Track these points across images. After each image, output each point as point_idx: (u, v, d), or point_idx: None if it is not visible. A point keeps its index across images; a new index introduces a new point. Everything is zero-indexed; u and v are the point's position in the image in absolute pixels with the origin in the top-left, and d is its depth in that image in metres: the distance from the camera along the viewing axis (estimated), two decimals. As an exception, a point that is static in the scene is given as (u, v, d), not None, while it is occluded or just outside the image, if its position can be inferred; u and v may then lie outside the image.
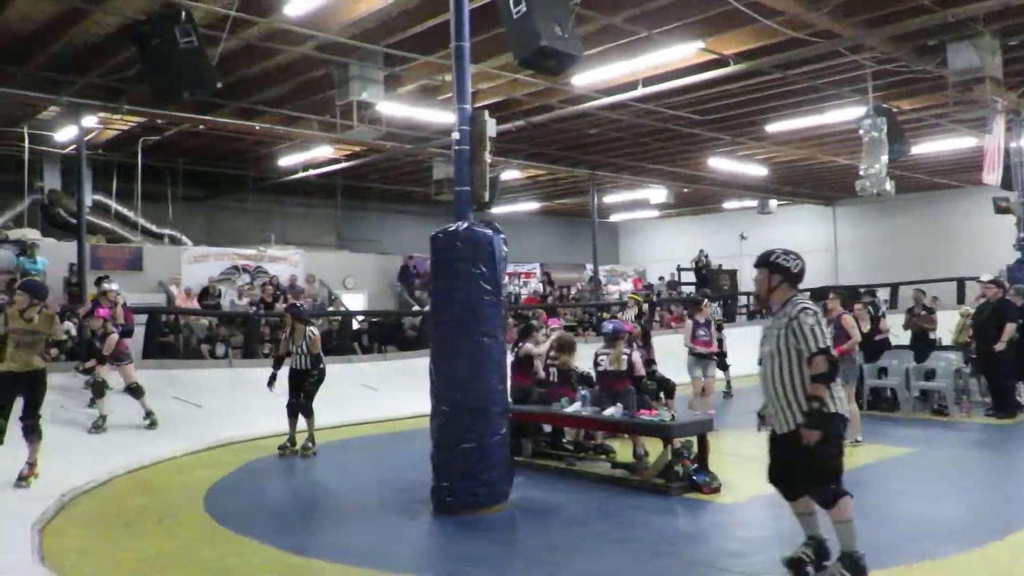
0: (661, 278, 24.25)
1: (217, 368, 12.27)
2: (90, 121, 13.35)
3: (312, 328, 9.10)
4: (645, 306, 13.66)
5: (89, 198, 14.12)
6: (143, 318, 12.96)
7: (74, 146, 13.22)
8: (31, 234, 15.28)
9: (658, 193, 22.55)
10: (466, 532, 5.76)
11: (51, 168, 16.86)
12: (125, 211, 17.80)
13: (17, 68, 11.40)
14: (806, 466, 4.28)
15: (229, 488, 7.25)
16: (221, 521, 6.00)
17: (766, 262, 4.51)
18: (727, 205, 26.02)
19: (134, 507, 6.49)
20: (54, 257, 14.16)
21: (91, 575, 4.85)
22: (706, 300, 11.17)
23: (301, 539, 5.63)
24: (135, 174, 16.67)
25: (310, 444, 8.78)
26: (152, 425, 9.31)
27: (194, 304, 15.29)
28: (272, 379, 8.91)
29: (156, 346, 12.50)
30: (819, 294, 8.77)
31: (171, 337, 13.46)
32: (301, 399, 8.78)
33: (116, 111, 12.74)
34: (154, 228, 18.35)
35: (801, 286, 4.61)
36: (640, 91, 11.96)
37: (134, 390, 9.50)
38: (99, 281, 11.29)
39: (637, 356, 7.94)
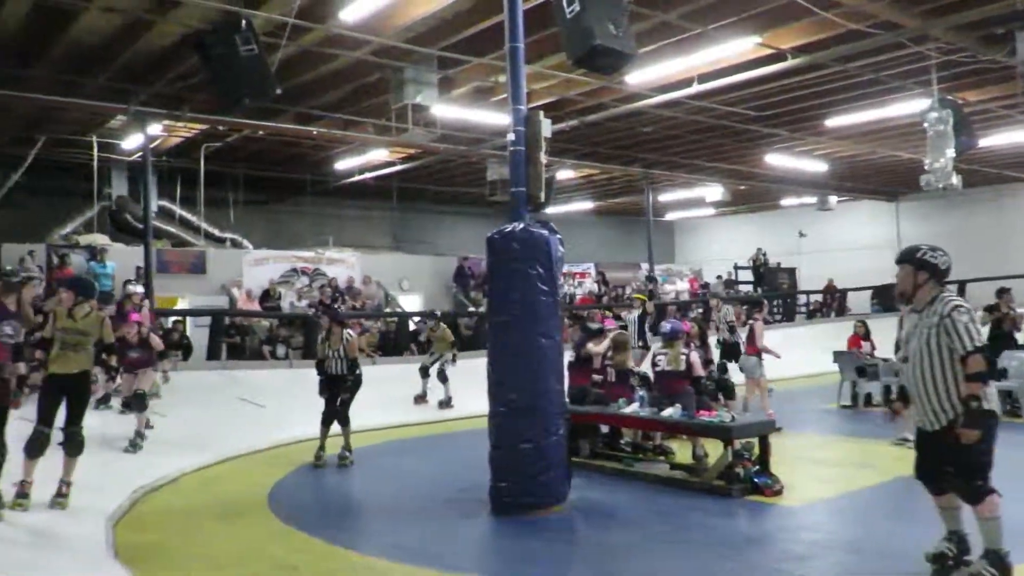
0: (719, 277, 23.93)
1: (278, 368, 12.53)
2: (155, 129, 13.75)
3: (349, 331, 8.66)
4: (650, 305, 12.97)
5: (155, 204, 14.60)
6: (206, 320, 13.35)
7: (140, 153, 13.63)
8: (100, 239, 15.79)
9: (714, 191, 22.26)
10: (524, 532, 5.76)
11: (119, 175, 17.46)
12: (189, 216, 18.27)
13: (87, 80, 11.83)
14: (956, 463, 4.21)
15: (291, 487, 7.39)
16: (285, 519, 6.12)
17: (911, 258, 4.39)
18: (785, 202, 25.55)
19: (201, 505, 6.66)
20: (122, 261, 14.62)
21: (162, 571, 4.98)
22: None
23: (362, 537, 5.72)
24: (198, 180, 17.14)
25: (346, 453, 8.26)
26: (133, 448, 8.17)
27: (255, 306, 15.62)
28: (322, 387, 8.40)
29: (219, 347, 12.82)
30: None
31: (237, 338, 13.78)
32: (337, 406, 8.27)
33: (179, 119, 13.11)
34: (216, 232, 18.80)
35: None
36: (695, 88, 11.82)
37: (139, 398, 8.52)
38: (125, 284, 11.47)
39: (696, 356, 7.86)
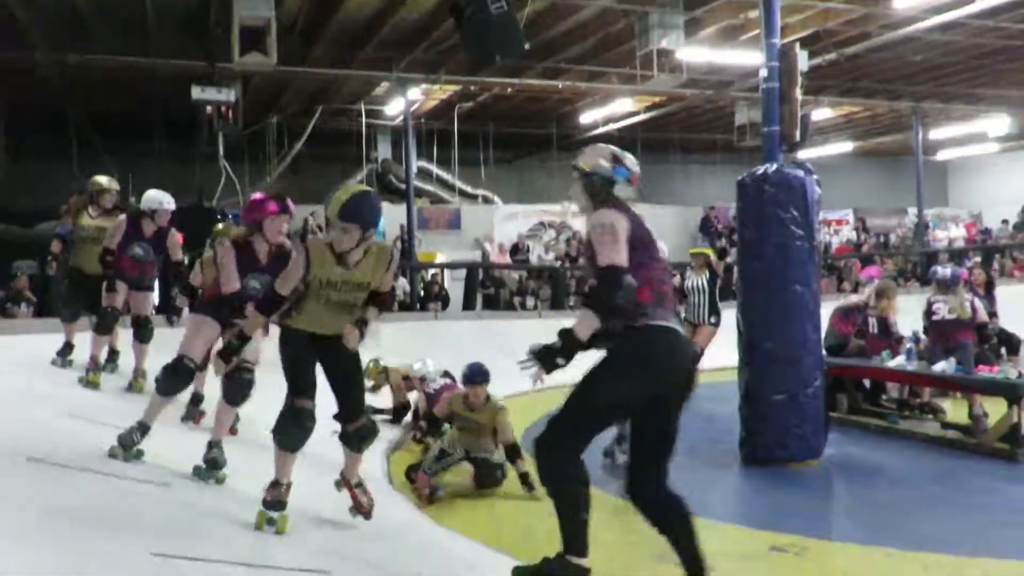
0: (1005, 221, 21.34)
1: (528, 319, 13.02)
2: (414, 94, 14.71)
3: None
4: (719, 263, 7.85)
5: (415, 164, 15.63)
6: (462, 273, 14.18)
7: (401, 118, 14.63)
8: (370, 198, 17.23)
9: (999, 123, 19.66)
10: (779, 484, 5.59)
11: (383, 139, 18.88)
12: (444, 175, 19.38)
13: (356, 51, 12.87)
14: None
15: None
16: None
17: None
18: (1088, 133, 22.07)
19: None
20: (386, 218, 15.85)
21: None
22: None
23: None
24: (452, 140, 18.09)
25: None
26: (133, 387, 6.06)
27: (507, 259, 16.33)
28: None
29: (474, 298, 13.57)
30: None
31: (491, 290, 14.51)
32: None
33: (435, 82, 13.93)
34: (469, 189, 19.78)
35: None
36: (978, 5, 10.48)
37: (141, 327, 6.23)
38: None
39: (979, 303, 7.13)
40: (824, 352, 6.87)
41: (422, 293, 13.76)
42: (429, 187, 19.05)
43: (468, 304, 13.40)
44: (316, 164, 18.07)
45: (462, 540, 4.34)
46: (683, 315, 6.83)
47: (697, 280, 7.11)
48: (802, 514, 4.98)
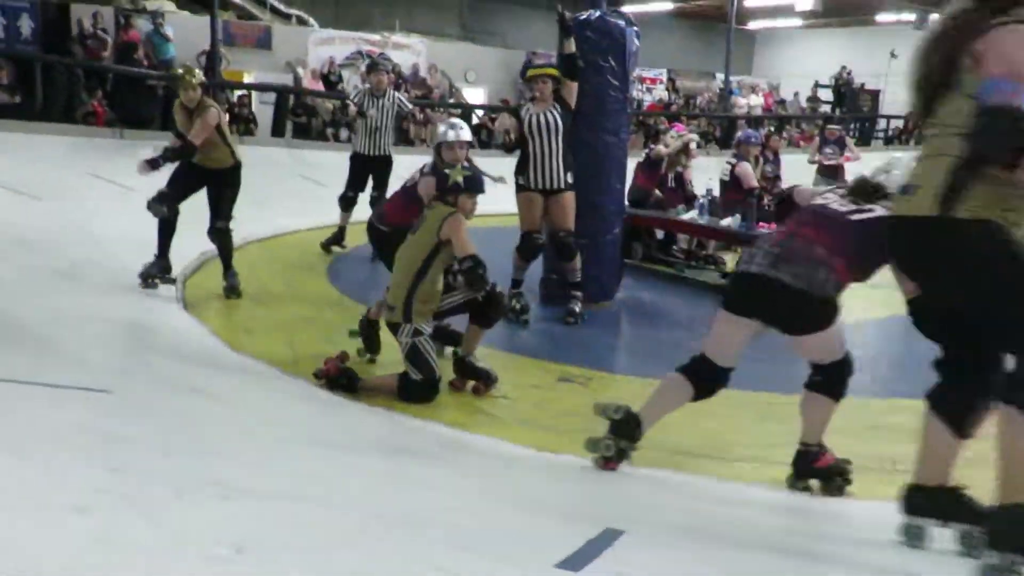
0: (796, 94, 22.87)
1: (341, 151, 12.59)
2: None
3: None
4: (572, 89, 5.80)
5: (221, -29, 14.15)
6: (271, 97, 13.33)
7: (206, -86, 13.10)
8: (167, 5, 15.57)
9: (805, -1, 20.70)
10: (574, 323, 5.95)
11: (184, -62, 16.90)
12: (254, -12, 17.82)
13: None
14: None
15: (349, 263, 7.66)
16: (342, 291, 6.40)
17: None
18: (880, 18, 23.74)
19: (265, 272, 6.97)
20: (187, 29, 14.44)
21: (228, 324, 5.32)
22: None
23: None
24: (264, -51, 16.54)
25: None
26: None
27: (320, 87, 15.51)
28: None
29: (284, 125, 12.87)
30: None
31: (303, 118, 13.79)
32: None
33: None
34: (282, 8, 18.36)
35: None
36: None
37: None
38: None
39: (746, 167, 7.59)
40: (626, 203, 7.23)
41: (227, 116, 12.84)
42: (236, 0, 17.47)
43: (277, 131, 12.72)
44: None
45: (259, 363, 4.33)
46: (520, 178, 5.78)
47: (542, 117, 5.61)
48: (592, 349, 5.37)
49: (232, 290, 5.86)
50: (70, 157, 8.22)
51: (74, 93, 10.42)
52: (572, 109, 5.65)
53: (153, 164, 5.46)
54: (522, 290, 5.90)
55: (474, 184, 4.24)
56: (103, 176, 7.89)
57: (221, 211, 5.80)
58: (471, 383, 4.32)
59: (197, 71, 5.74)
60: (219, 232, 5.84)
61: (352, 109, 7.64)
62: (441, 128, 5.20)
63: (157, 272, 5.66)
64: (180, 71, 5.76)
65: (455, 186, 4.16)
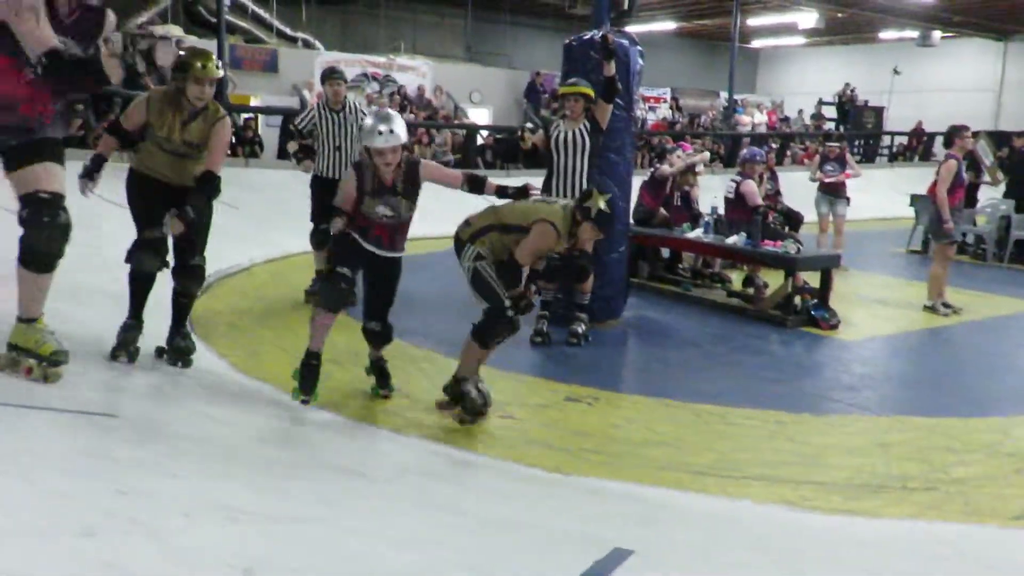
0: (800, 111, 22.91)
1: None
2: (227, -86, 13.27)
3: None
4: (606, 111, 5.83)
5: (228, -4, 14.29)
6: (278, 120, 13.42)
7: (213, -59, 13.25)
8: (175, 30, 15.72)
9: (808, 17, 20.79)
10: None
11: (192, -36, 17.09)
12: (261, 12, 17.97)
13: None
14: None
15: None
16: (348, 312, 6.39)
17: None
18: (883, 35, 23.84)
19: (272, 295, 6.98)
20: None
21: (235, 347, 5.32)
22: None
23: (417, 334, 5.91)
24: (270, -26, 16.72)
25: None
26: None
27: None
28: None
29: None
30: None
31: (310, 140, 13.82)
32: None
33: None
34: (288, 31, 18.52)
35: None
36: None
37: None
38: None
39: (751, 186, 7.56)
40: (632, 222, 7.25)
41: (234, 139, 12.95)
42: (243, 24, 17.63)
43: (283, 153, 12.78)
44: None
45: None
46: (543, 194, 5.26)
47: (570, 134, 5.62)
48: (600, 369, 5.36)
49: (181, 355, 4.28)
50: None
51: (85, 119, 10.49)
52: (603, 130, 5.65)
53: (90, 174, 4.07)
54: (547, 312, 5.89)
55: (601, 219, 4.02)
56: (112, 200, 7.94)
57: (197, 241, 4.18)
58: (457, 410, 4.05)
59: (216, 58, 4.10)
60: (193, 271, 4.23)
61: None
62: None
63: (134, 341, 4.12)
64: (191, 53, 4.07)
65: (597, 213, 4.00)
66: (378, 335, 4.32)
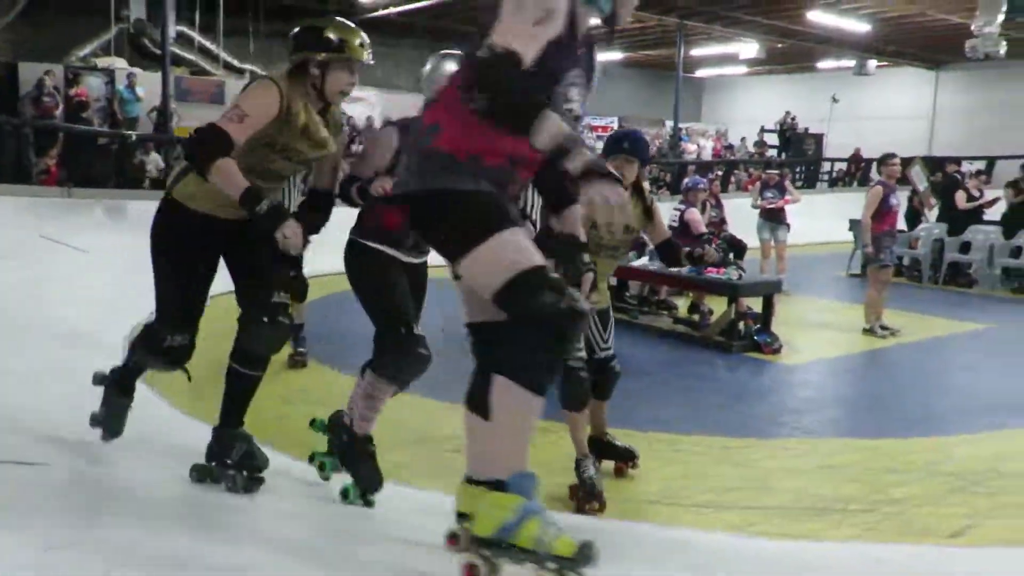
0: (743, 139, 23.48)
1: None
2: (173, -52, 13.24)
3: None
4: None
5: (172, 28, 14.20)
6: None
7: (157, -27, 13.19)
8: (118, 63, 15.54)
9: (749, 48, 21.41)
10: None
11: (136, -4, 16.93)
12: (208, 44, 17.85)
13: None
14: None
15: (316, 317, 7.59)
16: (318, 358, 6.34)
17: None
18: (821, 65, 24.61)
19: (222, 328, 6.87)
20: (141, 87, 14.43)
21: (181, 389, 5.19)
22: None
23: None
24: (217, 6, 16.61)
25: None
26: None
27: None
28: None
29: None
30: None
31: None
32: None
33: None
34: (236, 63, 18.42)
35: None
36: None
37: None
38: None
39: (694, 214, 7.72)
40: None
41: (179, 171, 12.80)
42: (190, 55, 17.49)
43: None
44: (57, 15, 15.91)
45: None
46: None
47: None
48: (549, 399, 5.37)
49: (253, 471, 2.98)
50: (21, 217, 8.09)
51: (23, 152, 10.31)
52: None
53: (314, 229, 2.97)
54: None
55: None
56: (51, 236, 7.78)
57: (267, 276, 3.03)
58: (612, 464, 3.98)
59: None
60: (278, 312, 3.04)
61: None
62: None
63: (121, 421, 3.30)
64: (339, 26, 2.98)
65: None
66: None
